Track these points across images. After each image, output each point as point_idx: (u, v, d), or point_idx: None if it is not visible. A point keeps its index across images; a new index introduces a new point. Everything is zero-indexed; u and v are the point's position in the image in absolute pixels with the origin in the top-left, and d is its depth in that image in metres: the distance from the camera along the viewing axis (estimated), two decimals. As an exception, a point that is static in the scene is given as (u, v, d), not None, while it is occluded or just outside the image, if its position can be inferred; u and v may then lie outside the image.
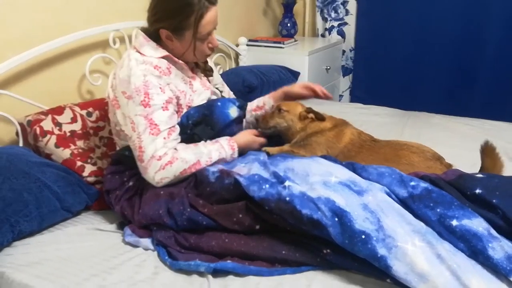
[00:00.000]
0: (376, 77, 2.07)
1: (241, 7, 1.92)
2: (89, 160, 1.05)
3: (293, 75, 1.82)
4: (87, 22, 1.24)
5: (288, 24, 2.06)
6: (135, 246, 0.85)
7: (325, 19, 2.17)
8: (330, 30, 2.16)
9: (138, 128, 0.85)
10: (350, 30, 2.13)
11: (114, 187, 0.92)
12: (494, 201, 0.75)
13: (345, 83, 2.23)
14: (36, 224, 0.87)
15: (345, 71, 2.22)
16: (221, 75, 1.20)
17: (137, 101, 0.85)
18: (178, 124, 0.91)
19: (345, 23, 2.13)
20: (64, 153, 1.02)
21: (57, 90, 1.20)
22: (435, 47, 1.92)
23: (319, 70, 1.95)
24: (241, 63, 1.88)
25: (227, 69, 1.77)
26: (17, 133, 1.07)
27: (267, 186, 0.79)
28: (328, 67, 2.01)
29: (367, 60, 2.08)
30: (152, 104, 0.85)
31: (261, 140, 1.01)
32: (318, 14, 2.17)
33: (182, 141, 0.90)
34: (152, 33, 0.91)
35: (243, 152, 0.95)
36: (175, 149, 0.85)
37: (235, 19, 1.89)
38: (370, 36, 2.05)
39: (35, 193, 0.88)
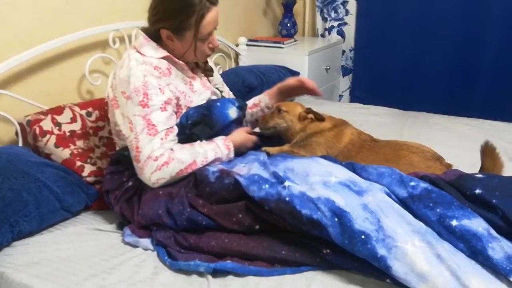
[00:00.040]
0: (376, 77, 2.07)
1: (241, 7, 1.92)
2: (88, 160, 1.05)
3: (293, 75, 1.82)
4: (87, 22, 1.23)
5: (288, 24, 2.06)
6: (134, 246, 0.85)
7: (325, 19, 2.17)
8: (330, 30, 2.16)
9: (135, 128, 0.85)
10: (350, 30, 2.13)
11: (113, 187, 0.92)
12: (494, 201, 0.75)
13: (345, 83, 2.23)
14: (36, 224, 0.87)
15: (345, 71, 2.22)
16: (221, 75, 1.20)
17: (136, 101, 0.85)
18: (177, 124, 0.91)
19: (345, 23, 2.13)
20: (64, 153, 1.02)
21: (56, 90, 1.19)
22: (435, 47, 1.92)
23: (319, 70, 1.95)
24: (241, 63, 1.88)
25: (227, 69, 1.76)
26: (16, 133, 1.07)
27: (267, 186, 0.79)
28: (328, 67, 2.00)
29: (367, 60, 2.08)
30: (151, 105, 0.85)
31: (254, 138, 1.01)
32: (318, 14, 2.17)
33: (180, 141, 0.90)
34: (153, 33, 0.91)
35: (238, 150, 0.95)
36: (171, 149, 0.85)
37: (235, 19, 1.89)
38: (370, 36, 2.05)
39: (34, 193, 0.88)
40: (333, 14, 2.13)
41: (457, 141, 1.31)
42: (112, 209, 0.93)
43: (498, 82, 1.84)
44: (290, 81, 1.05)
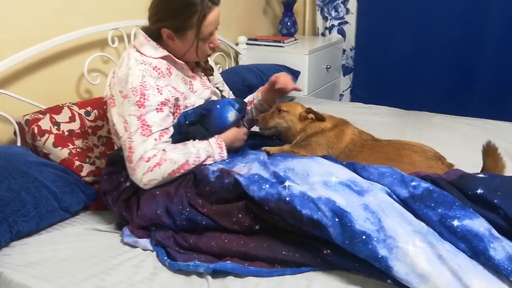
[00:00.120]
0: (377, 77, 2.07)
1: (241, 5, 1.91)
2: (87, 160, 1.04)
3: (293, 74, 1.82)
4: (86, 21, 1.23)
5: (288, 23, 2.05)
6: (133, 246, 0.84)
7: (325, 18, 2.16)
8: (330, 29, 2.16)
9: (130, 128, 0.84)
10: (350, 29, 2.12)
11: (111, 188, 0.92)
12: (495, 201, 0.74)
13: (345, 82, 2.23)
14: (34, 224, 0.87)
15: (346, 70, 2.21)
16: (220, 74, 1.20)
17: (132, 101, 0.84)
18: (175, 124, 0.90)
19: (346, 22, 2.13)
20: (62, 153, 1.02)
21: (55, 89, 1.19)
22: (436, 47, 1.91)
23: (319, 69, 1.94)
24: (241, 62, 1.87)
25: (227, 68, 1.76)
26: (15, 133, 1.06)
27: (267, 186, 0.78)
28: (329, 66, 2.00)
29: (368, 59, 2.07)
30: (147, 105, 0.84)
31: (245, 130, 1.00)
32: (318, 13, 2.17)
33: (176, 141, 0.89)
34: (153, 32, 0.90)
35: (232, 146, 0.95)
36: (164, 150, 0.84)
37: (235, 18, 1.88)
38: (370, 35, 2.05)
39: (33, 193, 0.87)
40: (333, 13, 2.13)
41: (459, 141, 1.30)
42: (111, 209, 0.93)
43: (498, 82, 1.84)
44: (272, 77, 1.05)
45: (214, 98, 1.02)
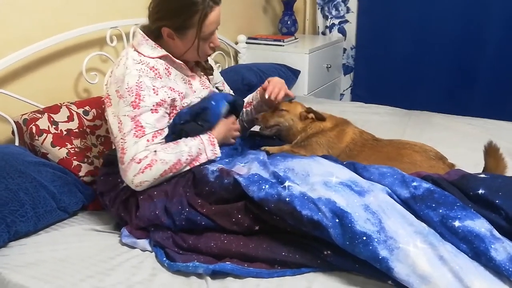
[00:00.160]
0: (377, 76, 2.06)
1: (241, 4, 1.90)
2: (85, 160, 1.04)
3: (293, 74, 1.81)
4: (86, 20, 1.22)
5: (288, 22, 2.04)
6: (132, 247, 0.84)
7: (325, 17, 2.15)
8: (330, 28, 2.15)
9: (123, 129, 0.83)
10: (351, 28, 2.11)
11: (108, 189, 0.91)
12: (497, 201, 0.74)
13: (346, 81, 2.22)
14: (32, 224, 0.86)
15: (346, 69, 2.20)
16: (220, 73, 1.19)
17: (128, 101, 0.84)
18: (170, 124, 0.90)
19: (346, 21, 2.12)
20: (60, 152, 1.01)
21: (53, 89, 1.18)
22: (436, 46, 1.91)
23: (319, 68, 1.93)
24: (241, 61, 1.86)
25: (226, 67, 1.75)
26: (13, 132, 1.06)
27: (267, 186, 0.78)
28: (329, 66, 1.99)
29: (368, 58, 2.07)
30: (142, 106, 0.84)
31: (237, 126, 0.99)
32: (318, 12, 2.16)
33: (171, 140, 0.88)
34: (153, 31, 0.90)
35: (226, 141, 0.94)
36: (155, 151, 0.83)
37: (235, 16, 1.87)
38: (371, 34, 2.04)
39: (31, 193, 0.87)
40: (334, 12, 2.12)
41: (460, 141, 1.30)
42: (108, 210, 0.92)
43: (499, 81, 1.84)
44: (265, 83, 1.02)
45: (208, 95, 1.01)
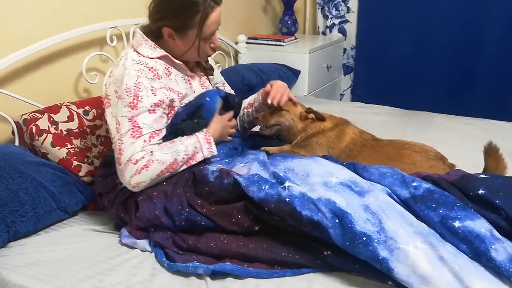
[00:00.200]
0: (378, 76, 2.06)
1: (241, 4, 1.90)
2: (85, 160, 1.04)
3: (293, 74, 1.81)
4: (86, 20, 1.22)
5: (289, 22, 2.04)
6: (132, 247, 0.84)
7: (326, 17, 2.15)
8: (331, 27, 2.15)
9: (121, 130, 0.83)
10: (351, 28, 2.11)
11: (107, 190, 0.91)
12: (497, 202, 0.74)
13: (346, 81, 2.22)
14: (32, 225, 0.86)
15: (346, 69, 2.20)
16: (220, 73, 1.19)
17: (126, 102, 0.84)
18: (168, 125, 0.89)
19: (346, 21, 2.11)
20: (60, 152, 1.01)
21: (53, 89, 1.18)
22: (436, 46, 1.91)
23: (319, 68, 1.93)
24: (241, 61, 1.86)
25: (226, 67, 1.75)
26: (13, 132, 1.06)
27: (267, 186, 0.78)
28: (329, 66, 1.99)
29: (369, 58, 2.07)
30: (140, 106, 0.84)
31: (232, 123, 0.98)
32: (319, 12, 2.16)
33: (168, 140, 0.88)
34: (154, 31, 0.90)
35: (221, 139, 0.94)
36: (151, 152, 0.83)
37: (235, 16, 1.87)
38: (371, 34, 2.04)
39: (31, 193, 0.87)
40: (334, 12, 2.12)
41: (460, 141, 1.30)
42: (107, 211, 0.92)
43: (499, 81, 1.84)
44: (266, 87, 1.01)
45: (202, 92, 1.00)
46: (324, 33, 2.18)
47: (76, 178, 1.00)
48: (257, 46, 1.89)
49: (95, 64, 1.29)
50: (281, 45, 1.87)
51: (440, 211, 0.72)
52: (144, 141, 0.83)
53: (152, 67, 0.88)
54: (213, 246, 0.78)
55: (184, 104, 0.93)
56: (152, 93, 0.86)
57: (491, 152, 0.91)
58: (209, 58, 1.02)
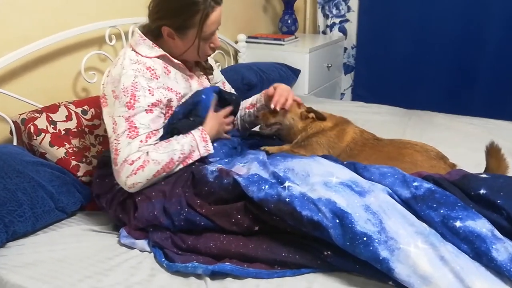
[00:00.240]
0: (378, 75, 2.06)
1: (241, 3, 1.89)
2: (84, 159, 1.03)
3: (294, 73, 1.80)
4: (84, 19, 1.22)
5: (289, 21, 2.03)
6: (131, 247, 0.83)
7: (326, 16, 2.14)
8: (331, 27, 2.14)
9: (118, 130, 0.83)
10: (352, 27, 2.11)
11: (105, 191, 0.90)
12: (498, 201, 0.73)
13: (346, 81, 2.21)
14: (30, 225, 0.86)
15: (347, 68, 2.20)
16: (220, 72, 1.18)
17: (123, 102, 0.83)
18: (165, 124, 0.89)
19: (347, 20, 2.11)
20: (59, 152, 1.01)
21: (51, 88, 1.18)
22: (437, 46, 1.91)
23: (320, 67, 1.93)
24: (241, 61, 1.85)
25: (226, 66, 1.74)
26: (11, 132, 1.05)
27: (267, 186, 0.77)
28: (329, 65, 1.98)
29: (369, 58, 2.06)
30: (137, 106, 0.83)
31: (228, 119, 0.97)
32: (319, 11, 2.15)
33: (165, 139, 0.87)
34: (154, 30, 0.89)
35: (218, 135, 0.93)
36: (147, 152, 0.83)
37: (234, 15, 1.86)
38: (372, 33, 2.03)
39: (29, 193, 0.86)
40: (334, 11, 2.11)
41: (461, 141, 1.29)
42: (105, 212, 0.92)
43: (499, 81, 1.84)
44: (270, 91, 1.00)
45: (198, 90, 0.99)
46: (324, 32, 2.17)
47: (75, 178, 0.99)
48: (257, 45, 1.88)
49: (94, 63, 1.28)
50: (281, 44, 1.86)
51: (441, 211, 0.72)
52: (141, 141, 0.83)
53: (150, 67, 0.88)
54: (212, 246, 0.77)
55: (181, 103, 0.92)
56: (150, 93, 0.85)
57: (493, 152, 0.91)
58: (208, 58, 1.01)
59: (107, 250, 0.82)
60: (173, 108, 0.91)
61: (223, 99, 0.98)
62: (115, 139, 0.83)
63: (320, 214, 0.72)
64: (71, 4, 1.20)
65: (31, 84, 1.13)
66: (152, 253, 0.81)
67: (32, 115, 1.02)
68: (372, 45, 2.04)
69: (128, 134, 0.82)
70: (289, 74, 1.77)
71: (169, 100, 0.89)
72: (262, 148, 0.99)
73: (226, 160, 0.92)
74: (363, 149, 0.97)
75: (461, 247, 0.69)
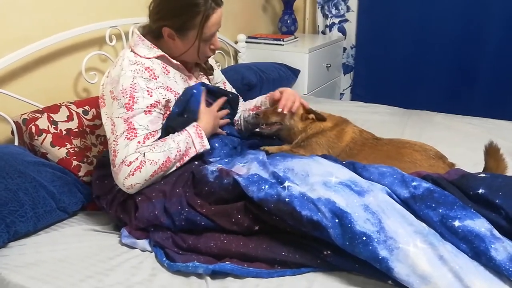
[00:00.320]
0: (377, 75, 2.06)
1: (240, 3, 1.90)
2: (85, 159, 1.03)
3: (293, 73, 1.81)
4: (84, 19, 1.22)
5: (288, 21, 2.04)
6: (132, 247, 0.84)
7: (325, 16, 2.15)
8: (330, 27, 2.14)
9: (116, 131, 0.83)
10: (351, 27, 2.11)
11: (105, 192, 0.91)
12: (497, 201, 0.74)
13: (346, 81, 2.22)
14: (32, 225, 0.86)
15: (346, 68, 2.20)
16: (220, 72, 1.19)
17: (122, 103, 0.84)
18: (163, 125, 0.89)
19: (346, 20, 2.11)
20: (60, 152, 1.01)
21: (53, 88, 1.18)
22: (436, 46, 1.91)
23: (319, 67, 1.93)
24: (240, 61, 1.86)
25: (226, 66, 1.75)
26: (12, 132, 1.06)
27: (266, 186, 0.78)
28: (329, 65, 1.99)
29: (368, 58, 2.06)
30: (135, 108, 0.84)
31: (221, 113, 0.97)
32: (318, 11, 2.15)
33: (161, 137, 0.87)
34: (154, 30, 0.89)
35: (214, 131, 0.93)
36: (144, 153, 0.83)
37: (234, 15, 1.87)
38: (371, 33, 2.04)
39: (31, 193, 0.87)
40: (334, 11, 2.11)
41: (460, 140, 1.30)
42: (106, 212, 0.92)
43: (499, 81, 1.84)
44: (276, 94, 1.01)
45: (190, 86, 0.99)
46: (323, 32, 2.17)
47: (76, 178, 1.00)
48: (256, 46, 1.89)
49: (95, 64, 1.28)
50: (280, 45, 1.87)
51: (440, 210, 0.72)
52: (138, 142, 0.83)
53: (148, 67, 0.88)
54: (213, 246, 0.78)
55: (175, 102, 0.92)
56: (148, 94, 0.85)
57: (491, 152, 0.91)
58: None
59: (108, 250, 0.82)
60: (171, 109, 0.91)
61: (214, 94, 0.98)
62: (113, 141, 0.84)
63: (319, 214, 0.72)
64: (71, 4, 1.20)
65: (32, 85, 1.13)
66: (153, 253, 0.81)
67: (34, 115, 1.02)
68: (371, 45, 2.04)
69: (126, 135, 0.83)
70: (288, 74, 1.77)
71: (168, 101, 0.90)
72: (262, 148, 0.99)
73: (226, 160, 0.92)
74: (362, 148, 0.98)
75: (460, 247, 0.69)
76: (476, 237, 0.68)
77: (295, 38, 1.98)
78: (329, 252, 0.73)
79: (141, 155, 0.82)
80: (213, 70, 1.06)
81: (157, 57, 0.90)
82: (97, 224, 0.94)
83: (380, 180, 0.80)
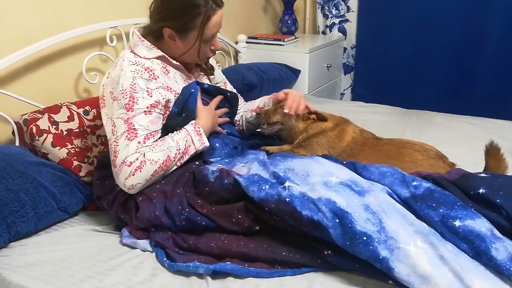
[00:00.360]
0: (378, 75, 2.06)
1: (241, 3, 1.90)
2: (86, 160, 1.04)
3: (294, 73, 1.81)
4: (85, 19, 1.22)
5: (289, 21, 2.04)
6: (132, 247, 0.84)
7: (326, 16, 2.15)
8: (331, 27, 2.14)
9: (117, 132, 0.84)
10: (351, 27, 2.11)
11: (105, 193, 0.91)
12: (497, 201, 0.74)
13: (346, 81, 2.22)
14: (33, 225, 0.86)
15: (347, 68, 2.20)
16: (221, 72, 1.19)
17: (122, 103, 0.84)
18: (163, 125, 0.89)
19: (346, 20, 2.11)
20: (61, 153, 1.01)
21: (53, 89, 1.18)
22: (437, 46, 1.91)
23: (320, 67, 1.93)
24: (241, 61, 1.86)
25: (226, 66, 1.75)
26: (13, 132, 1.06)
27: (267, 186, 0.78)
28: (329, 65, 1.99)
29: (369, 58, 2.07)
30: (135, 108, 0.84)
31: (220, 111, 0.97)
32: (319, 11, 2.16)
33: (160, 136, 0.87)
34: (155, 31, 0.90)
35: (213, 128, 0.93)
36: (144, 153, 0.83)
37: (235, 16, 1.87)
38: (371, 33, 2.04)
39: (31, 193, 0.87)
40: (334, 11, 2.11)
41: (460, 140, 1.30)
42: (107, 213, 0.92)
43: (499, 81, 1.84)
44: (280, 96, 1.01)
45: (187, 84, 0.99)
46: (324, 33, 2.17)
47: (77, 178, 1.00)
48: (257, 46, 1.89)
49: (95, 64, 1.29)
50: (281, 45, 1.87)
51: (441, 210, 0.72)
52: (139, 142, 0.83)
53: (148, 67, 0.88)
54: (213, 246, 0.78)
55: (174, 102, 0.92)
56: (148, 94, 0.86)
57: (492, 152, 0.91)
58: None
59: (109, 250, 0.83)
60: (171, 109, 0.91)
61: (209, 93, 0.98)
62: (114, 141, 0.84)
63: (320, 214, 0.72)
64: (71, 4, 1.20)
65: (33, 85, 1.13)
66: (153, 253, 0.81)
67: (34, 115, 1.03)
68: (371, 45, 2.04)
69: (127, 136, 0.83)
70: (289, 74, 1.77)
71: (168, 101, 0.90)
72: (262, 148, 0.99)
73: (227, 160, 0.92)
74: (363, 148, 0.98)
75: (461, 247, 0.69)
76: (476, 237, 0.68)
77: (296, 38, 1.98)
78: (329, 252, 0.73)
79: (141, 155, 0.83)
80: (213, 70, 1.06)
81: (157, 58, 0.91)
82: (98, 224, 0.94)
83: (381, 180, 0.80)
